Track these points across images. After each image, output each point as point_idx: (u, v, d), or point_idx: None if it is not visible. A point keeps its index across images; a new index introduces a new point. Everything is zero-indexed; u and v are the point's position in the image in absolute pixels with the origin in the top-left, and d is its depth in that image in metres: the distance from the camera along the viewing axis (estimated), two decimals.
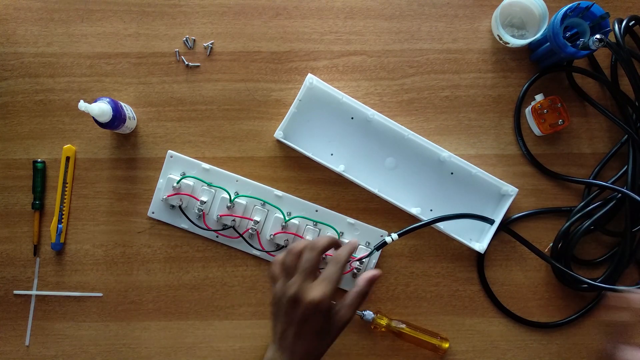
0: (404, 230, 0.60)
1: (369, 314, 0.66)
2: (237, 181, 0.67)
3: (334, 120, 0.67)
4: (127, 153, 0.68)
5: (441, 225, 0.66)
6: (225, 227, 0.66)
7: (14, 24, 0.69)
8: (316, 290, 0.53)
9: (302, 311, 0.53)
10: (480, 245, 0.66)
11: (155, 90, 0.68)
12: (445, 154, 0.66)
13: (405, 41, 0.69)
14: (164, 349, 0.67)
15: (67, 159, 0.68)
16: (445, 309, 0.68)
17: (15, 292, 0.67)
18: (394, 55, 0.69)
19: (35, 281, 0.68)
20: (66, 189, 0.68)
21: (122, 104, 0.64)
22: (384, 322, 0.66)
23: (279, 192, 0.67)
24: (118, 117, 0.61)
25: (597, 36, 0.59)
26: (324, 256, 0.63)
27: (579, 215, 0.66)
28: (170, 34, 0.69)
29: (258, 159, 0.69)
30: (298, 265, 0.55)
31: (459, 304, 0.68)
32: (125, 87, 0.68)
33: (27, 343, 0.67)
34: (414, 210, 0.66)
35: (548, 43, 0.64)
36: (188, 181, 0.66)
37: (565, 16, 0.62)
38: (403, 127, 0.66)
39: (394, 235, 0.59)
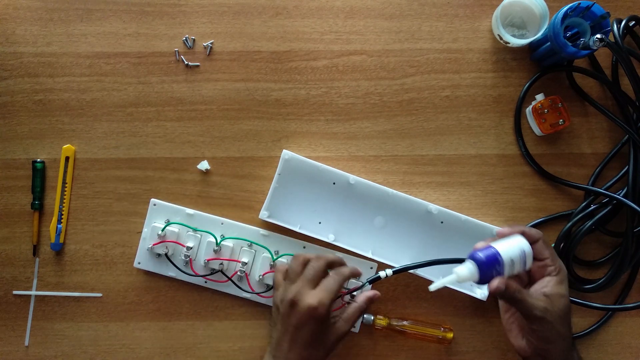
0: (399, 268, 0.59)
1: (368, 317, 0.65)
2: (222, 224, 0.66)
3: (316, 189, 0.66)
4: (126, 153, 0.68)
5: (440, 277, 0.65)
6: (213, 271, 0.65)
7: (13, 24, 0.68)
8: (313, 297, 0.53)
9: (298, 316, 0.53)
10: (482, 293, 0.66)
11: (154, 89, 0.68)
12: (432, 206, 0.65)
13: (405, 41, 0.69)
14: (163, 349, 0.67)
15: (67, 159, 0.68)
16: (445, 309, 0.68)
17: (15, 292, 0.67)
18: (394, 55, 0.69)
19: (35, 281, 0.67)
20: (65, 189, 0.67)
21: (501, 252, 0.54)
22: (384, 322, 0.65)
23: (265, 232, 0.66)
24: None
25: (598, 36, 0.58)
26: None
27: (580, 215, 0.66)
28: (170, 34, 0.69)
29: (258, 159, 0.68)
30: (302, 273, 0.56)
31: (459, 304, 0.68)
32: (124, 86, 0.68)
33: (26, 343, 0.67)
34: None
35: (548, 43, 0.64)
36: (173, 228, 0.65)
37: (565, 16, 0.62)
38: (385, 187, 0.65)
39: (389, 271, 0.58)
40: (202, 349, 0.67)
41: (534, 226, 0.68)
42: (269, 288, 0.65)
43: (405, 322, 0.65)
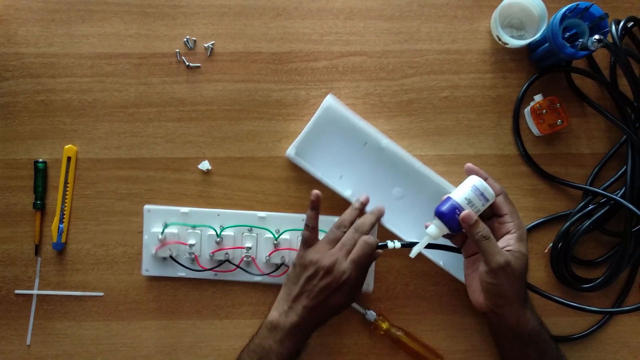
0: (408, 242, 0.60)
1: (371, 314, 0.66)
2: (218, 215, 0.67)
3: (346, 143, 0.67)
4: (127, 153, 0.68)
5: (440, 262, 0.66)
6: (220, 262, 0.66)
7: (15, 25, 0.69)
8: (348, 270, 0.56)
9: (329, 283, 0.56)
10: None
11: (155, 90, 0.69)
12: (453, 189, 0.65)
13: (404, 42, 0.69)
14: (164, 348, 0.67)
15: (69, 159, 0.68)
16: (445, 308, 0.68)
17: (17, 291, 0.68)
18: (393, 56, 0.69)
19: (37, 281, 0.68)
20: (67, 189, 0.68)
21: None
22: (384, 325, 0.66)
23: (262, 214, 0.66)
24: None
25: (596, 37, 0.59)
26: None
27: (578, 215, 0.66)
28: (171, 35, 0.69)
29: (258, 159, 0.69)
30: (342, 240, 0.58)
31: (459, 303, 0.68)
32: (126, 87, 0.69)
33: (28, 342, 0.67)
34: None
35: (547, 44, 0.64)
36: (172, 229, 0.66)
37: (564, 17, 0.63)
38: (415, 158, 0.66)
39: (397, 244, 0.59)
40: (203, 348, 0.68)
41: (534, 227, 0.68)
42: (278, 267, 0.66)
43: (402, 333, 0.66)
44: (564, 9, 0.62)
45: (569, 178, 0.68)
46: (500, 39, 0.67)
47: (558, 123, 0.66)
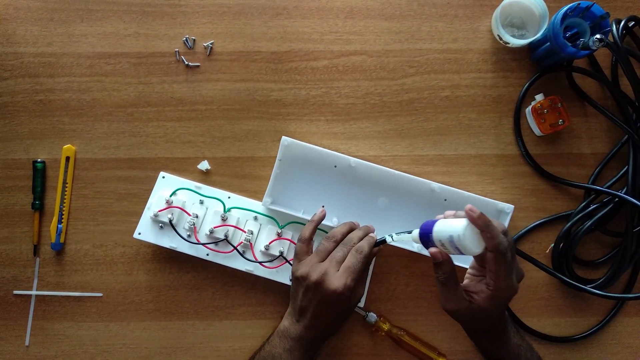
0: (404, 232, 0.59)
1: (372, 315, 0.65)
2: (229, 198, 0.66)
3: (318, 173, 0.66)
4: (126, 153, 0.68)
5: None
6: (217, 240, 0.64)
7: (13, 24, 0.69)
8: (339, 281, 0.55)
9: (322, 297, 0.56)
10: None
11: (155, 90, 0.68)
12: (434, 184, 0.65)
13: (405, 41, 0.69)
14: (163, 349, 0.67)
15: (67, 159, 0.68)
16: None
17: (15, 292, 0.67)
18: (394, 55, 0.69)
19: (35, 281, 0.67)
20: (66, 189, 0.68)
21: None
22: (385, 326, 0.65)
23: (272, 206, 0.66)
24: None
25: (597, 36, 0.59)
26: None
27: (580, 215, 0.66)
28: (170, 34, 0.69)
29: (258, 159, 0.69)
30: (331, 254, 0.58)
31: None
32: (125, 87, 0.68)
33: (27, 343, 0.67)
34: (417, 247, 0.65)
35: (548, 43, 0.64)
36: (180, 197, 0.65)
37: (565, 16, 0.62)
38: (387, 168, 0.65)
39: (395, 236, 0.59)
40: (202, 349, 0.67)
41: (535, 227, 0.68)
42: (273, 259, 0.65)
43: (404, 333, 0.66)
44: (565, 8, 0.62)
45: (570, 178, 0.68)
46: (501, 39, 0.67)
47: (559, 123, 0.66)
